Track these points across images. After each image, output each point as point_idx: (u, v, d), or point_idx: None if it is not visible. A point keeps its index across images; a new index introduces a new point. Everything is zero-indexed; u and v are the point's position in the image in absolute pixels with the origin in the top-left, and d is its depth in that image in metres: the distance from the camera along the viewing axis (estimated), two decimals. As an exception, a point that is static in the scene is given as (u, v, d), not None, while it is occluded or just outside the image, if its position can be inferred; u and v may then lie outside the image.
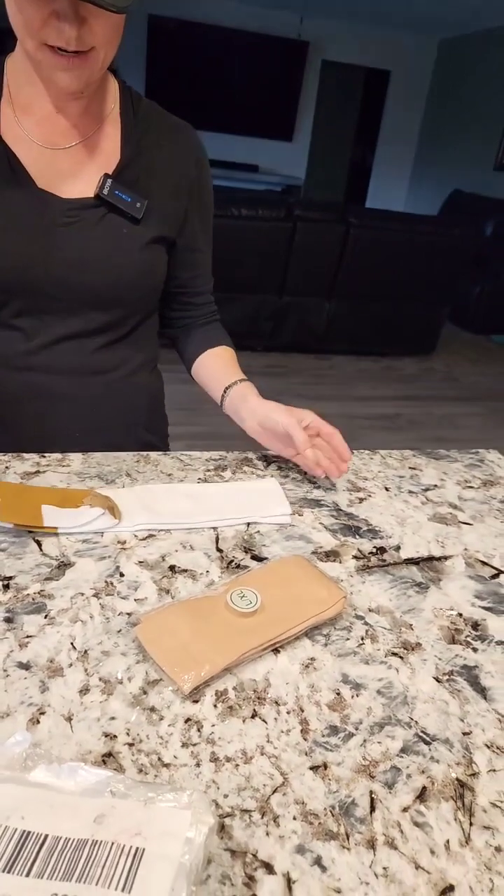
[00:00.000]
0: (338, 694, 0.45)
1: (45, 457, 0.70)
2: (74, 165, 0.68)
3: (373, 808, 0.38)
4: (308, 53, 5.61)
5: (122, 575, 0.53)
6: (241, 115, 5.65)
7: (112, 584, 0.52)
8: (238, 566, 0.57)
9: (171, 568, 0.55)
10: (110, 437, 0.79)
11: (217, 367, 0.80)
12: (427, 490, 0.74)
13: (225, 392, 0.75)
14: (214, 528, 0.61)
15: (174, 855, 0.31)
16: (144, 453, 0.74)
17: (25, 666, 0.44)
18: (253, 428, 0.71)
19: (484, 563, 0.62)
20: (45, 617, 0.48)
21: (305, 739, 0.42)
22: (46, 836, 0.32)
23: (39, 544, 0.56)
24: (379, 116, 6.14)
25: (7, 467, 0.67)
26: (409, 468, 0.79)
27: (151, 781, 0.37)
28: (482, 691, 0.47)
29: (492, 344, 4.14)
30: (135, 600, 0.51)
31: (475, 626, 0.53)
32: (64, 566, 0.54)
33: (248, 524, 0.63)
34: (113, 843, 0.31)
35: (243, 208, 2.96)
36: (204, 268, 0.82)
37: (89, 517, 0.57)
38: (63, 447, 0.72)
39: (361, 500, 0.70)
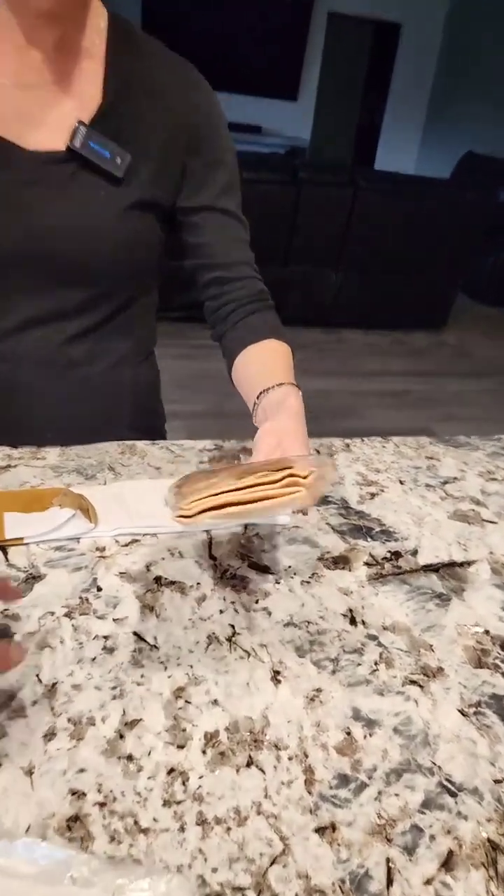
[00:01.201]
0: (348, 734, 0.39)
1: (16, 448, 0.63)
2: (44, 109, 0.57)
3: (390, 881, 0.32)
4: (314, 5, 5.29)
5: (99, 589, 0.47)
6: (243, 73, 5.36)
7: (87, 600, 0.46)
8: (234, 576, 0.50)
9: (157, 580, 0.48)
10: (86, 439, 0.67)
11: (252, 369, 0.62)
12: (446, 483, 0.67)
13: (257, 401, 0.57)
14: (207, 532, 0.54)
15: None
16: (130, 443, 0.66)
17: (-19, 705, 0.38)
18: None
19: (512, 569, 0.54)
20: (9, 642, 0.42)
21: (310, 793, 0.35)
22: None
23: (5, 553, 0.49)
24: (389, 73, 5.83)
25: (-24, 460, 0.60)
26: (426, 457, 0.71)
27: (123, 859, 0.31)
28: (516, 728, 0.40)
29: (505, 316, 3.99)
30: (113, 620, 0.44)
31: (505, 646, 0.46)
32: (32, 579, 0.47)
33: (245, 526, 0.56)
34: None
35: (245, 171, 2.78)
36: (224, 232, 0.68)
37: (59, 520, 0.50)
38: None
39: (373, 495, 0.63)
